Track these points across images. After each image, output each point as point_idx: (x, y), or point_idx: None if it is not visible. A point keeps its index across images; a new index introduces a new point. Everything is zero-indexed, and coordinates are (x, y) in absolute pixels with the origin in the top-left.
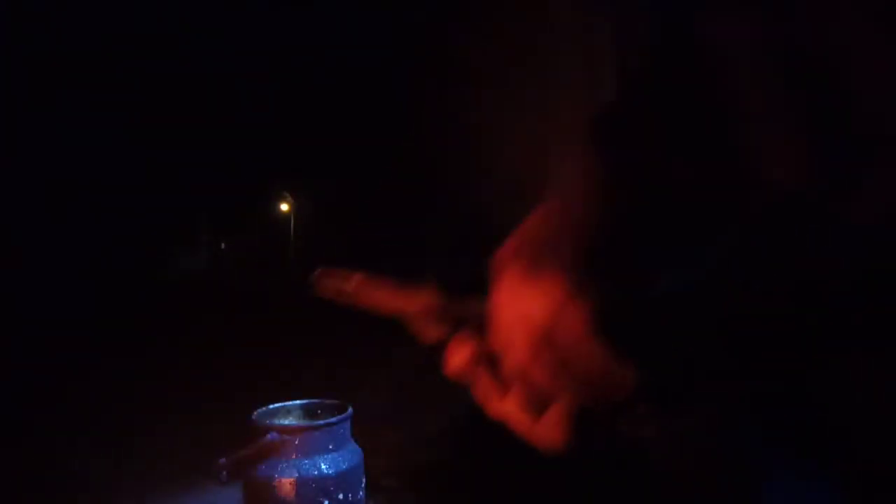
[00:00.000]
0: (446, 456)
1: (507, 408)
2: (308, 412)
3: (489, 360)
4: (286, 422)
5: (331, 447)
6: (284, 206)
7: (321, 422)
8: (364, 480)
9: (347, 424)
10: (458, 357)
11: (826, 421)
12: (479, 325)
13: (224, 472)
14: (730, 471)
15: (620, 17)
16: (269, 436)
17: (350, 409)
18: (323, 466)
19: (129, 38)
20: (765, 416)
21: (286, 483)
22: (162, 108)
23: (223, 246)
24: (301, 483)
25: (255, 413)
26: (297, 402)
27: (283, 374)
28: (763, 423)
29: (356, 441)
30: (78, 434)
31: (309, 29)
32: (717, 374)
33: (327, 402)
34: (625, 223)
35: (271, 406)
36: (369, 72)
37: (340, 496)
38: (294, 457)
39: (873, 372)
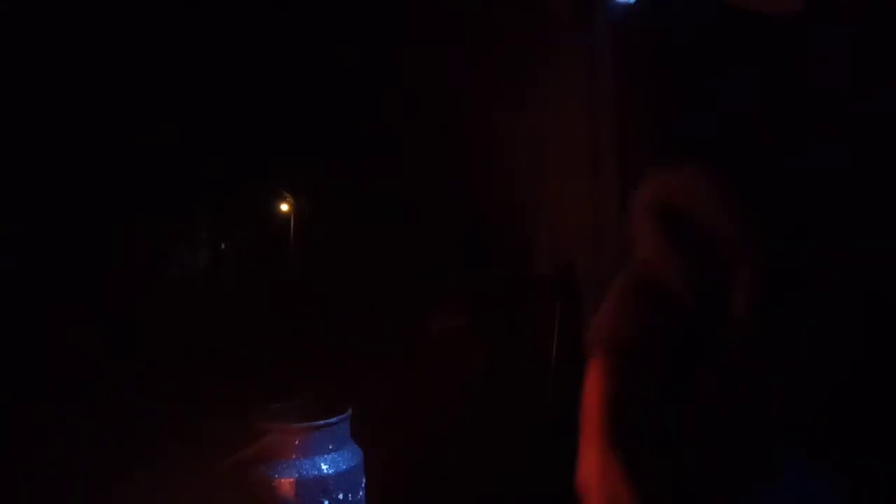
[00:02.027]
0: (446, 455)
1: None
2: (308, 412)
3: None
4: (286, 422)
5: (331, 447)
6: (284, 206)
7: (321, 422)
8: (364, 480)
9: (347, 424)
10: None
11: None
12: None
13: (224, 473)
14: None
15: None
16: (269, 436)
17: (350, 410)
18: (323, 466)
19: (128, 38)
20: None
21: (286, 483)
22: (162, 108)
23: (223, 246)
24: (301, 483)
25: (255, 413)
26: (297, 402)
27: (283, 374)
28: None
29: (356, 441)
30: (77, 433)
31: (309, 29)
32: None
33: (327, 402)
34: None
35: (271, 406)
36: (369, 72)
37: (340, 496)
38: (294, 457)
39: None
